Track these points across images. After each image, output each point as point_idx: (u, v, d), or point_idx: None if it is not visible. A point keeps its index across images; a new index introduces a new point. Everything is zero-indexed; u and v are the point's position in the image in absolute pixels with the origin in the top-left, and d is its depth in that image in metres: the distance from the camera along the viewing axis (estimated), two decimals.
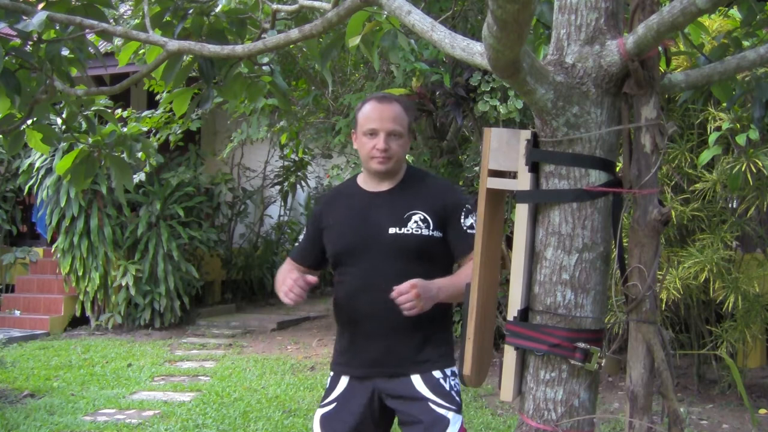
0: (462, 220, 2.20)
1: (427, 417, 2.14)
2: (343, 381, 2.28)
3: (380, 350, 2.21)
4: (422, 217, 2.19)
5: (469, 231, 2.18)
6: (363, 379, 2.25)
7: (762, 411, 5.00)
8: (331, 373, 2.35)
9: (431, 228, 2.19)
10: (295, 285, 2.12)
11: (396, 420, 2.30)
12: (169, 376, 6.14)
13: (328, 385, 2.34)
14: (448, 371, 2.22)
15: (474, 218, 2.19)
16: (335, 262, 2.32)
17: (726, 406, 5.10)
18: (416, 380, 2.18)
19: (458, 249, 2.20)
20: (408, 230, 2.17)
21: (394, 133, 2.19)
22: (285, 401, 5.23)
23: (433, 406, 2.15)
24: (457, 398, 2.20)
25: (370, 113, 2.22)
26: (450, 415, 2.14)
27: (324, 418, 2.27)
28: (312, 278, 2.16)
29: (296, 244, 2.43)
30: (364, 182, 2.32)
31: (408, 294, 2.00)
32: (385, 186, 2.26)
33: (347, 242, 2.26)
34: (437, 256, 2.22)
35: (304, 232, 2.48)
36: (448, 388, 2.18)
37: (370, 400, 2.23)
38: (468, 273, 2.07)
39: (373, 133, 2.19)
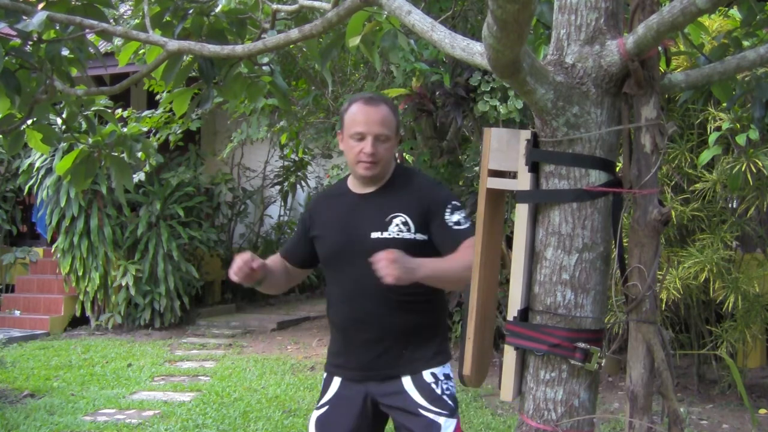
0: (446, 217, 2.12)
1: (416, 424, 2.12)
2: (336, 382, 2.27)
3: (371, 355, 2.19)
4: (403, 220, 2.13)
5: (454, 227, 2.10)
6: (355, 382, 2.23)
7: (762, 411, 5.00)
8: (325, 374, 2.33)
9: (413, 231, 2.13)
10: (244, 265, 2.10)
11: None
12: (169, 376, 6.14)
13: (322, 386, 2.33)
14: (440, 373, 2.18)
15: (462, 214, 2.13)
16: (324, 266, 2.30)
17: (726, 406, 5.10)
18: (407, 383, 2.16)
19: (444, 246, 2.11)
20: (390, 234, 2.12)
21: (381, 136, 2.13)
22: (285, 401, 5.24)
23: (424, 413, 2.12)
24: (450, 402, 2.16)
25: (357, 116, 2.15)
26: (441, 420, 2.11)
27: (319, 421, 2.26)
28: (258, 265, 2.13)
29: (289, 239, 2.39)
30: (353, 184, 2.27)
31: (384, 259, 1.91)
32: (371, 188, 2.21)
33: (333, 247, 2.24)
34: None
35: (295, 230, 2.49)
36: (439, 392, 2.15)
37: (364, 403, 2.21)
38: (458, 257, 2.02)
39: (360, 137, 2.13)
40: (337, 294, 2.27)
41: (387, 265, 1.92)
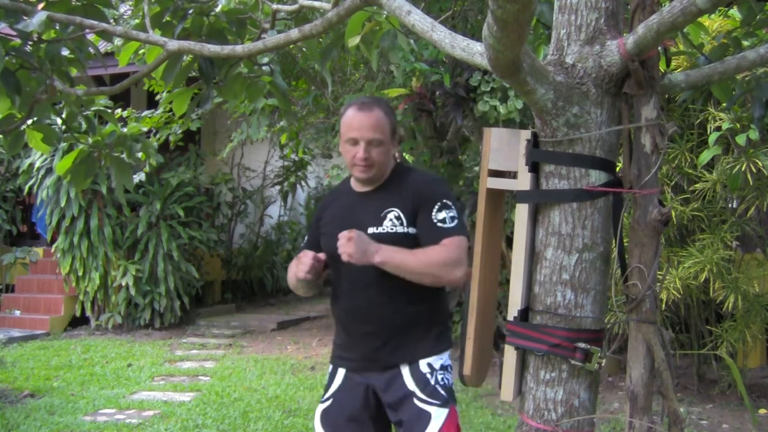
0: (433, 213, 2.16)
1: (408, 414, 2.17)
2: (340, 373, 2.33)
3: (371, 346, 2.25)
4: (397, 215, 2.21)
5: (438, 224, 2.14)
6: (357, 372, 2.29)
7: (762, 411, 5.00)
8: (330, 366, 2.41)
9: (405, 225, 2.19)
10: (305, 258, 2.21)
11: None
12: (169, 376, 6.14)
13: (327, 379, 2.39)
14: (436, 364, 2.21)
15: (450, 213, 2.15)
16: (329, 261, 2.35)
17: (726, 406, 5.10)
18: (405, 372, 2.21)
19: (424, 242, 2.15)
20: (384, 229, 2.19)
21: (374, 141, 2.21)
22: (285, 401, 5.24)
23: (417, 402, 2.16)
24: (443, 392, 2.18)
25: (351, 121, 2.23)
26: (432, 409, 2.14)
27: (323, 413, 2.32)
28: (321, 256, 2.25)
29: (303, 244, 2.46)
30: (354, 183, 2.37)
31: (343, 236, 2.08)
32: (369, 187, 2.31)
33: (335, 242, 2.26)
34: None
35: (311, 229, 2.60)
36: (433, 382, 2.18)
37: (366, 395, 2.26)
38: (429, 253, 2.09)
39: (354, 142, 2.22)
40: (337, 290, 2.35)
41: (344, 243, 2.07)
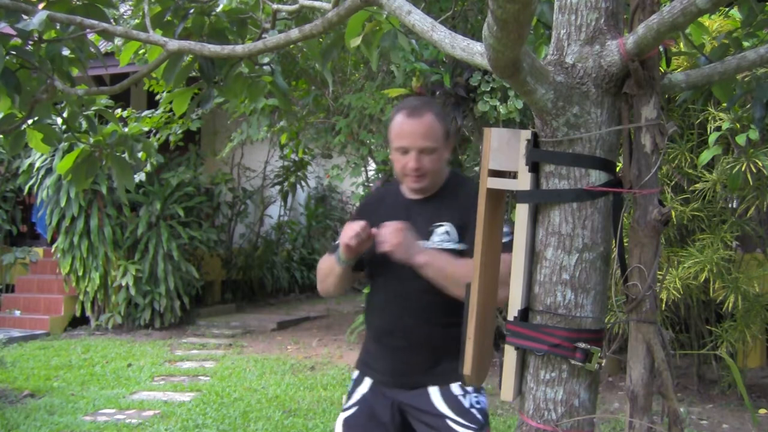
0: None
1: None
2: (366, 383, 2.25)
3: (401, 363, 2.17)
4: (446, 229, 2.11)
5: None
6: (384, 386, 2.20)
7: (762, 411, 5.00)
8: (356, 372, 2.31)
9: (455, 240, 2.10)
10: (363, 231, 2.05)
11: None
12: (169, 376, 6.14)
13: (351, 385, 2.30)
14: (469, 387, 2.12)
15: (505, 229, 1.95)
16: (369, 268, 2.25)
17: (726, 406, 5.10)
18: (434, 393, 2.13)
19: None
20: (431, 244, 2.09)
21: (426, 149, 2.09)
22: (285, 401, 5.24)
23: (452, 424, 2.08)
24: (479, 416, 2.11)
25: (400, 129, 2.11)
26: None
27: (346, 423, 2.22)
28: (373, 230, 2.07)
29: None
30: (405, 188, 2.24)
31: (391, 226, 1.99)
32: (422, 194, 2.20)
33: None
34: None
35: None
36: (467, 405, 2.12)
37: (392, 411, 2.18)
38: (468, 266, 1.93)
39: (404, 151, 2.11)
40: (377, 299, 2.25)
41: (392, 233, 1.98)
